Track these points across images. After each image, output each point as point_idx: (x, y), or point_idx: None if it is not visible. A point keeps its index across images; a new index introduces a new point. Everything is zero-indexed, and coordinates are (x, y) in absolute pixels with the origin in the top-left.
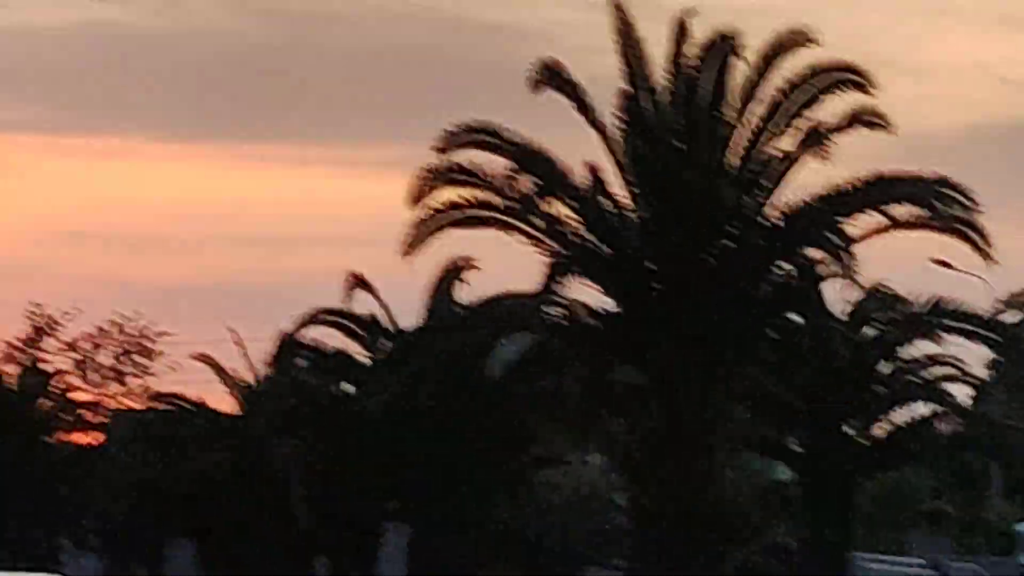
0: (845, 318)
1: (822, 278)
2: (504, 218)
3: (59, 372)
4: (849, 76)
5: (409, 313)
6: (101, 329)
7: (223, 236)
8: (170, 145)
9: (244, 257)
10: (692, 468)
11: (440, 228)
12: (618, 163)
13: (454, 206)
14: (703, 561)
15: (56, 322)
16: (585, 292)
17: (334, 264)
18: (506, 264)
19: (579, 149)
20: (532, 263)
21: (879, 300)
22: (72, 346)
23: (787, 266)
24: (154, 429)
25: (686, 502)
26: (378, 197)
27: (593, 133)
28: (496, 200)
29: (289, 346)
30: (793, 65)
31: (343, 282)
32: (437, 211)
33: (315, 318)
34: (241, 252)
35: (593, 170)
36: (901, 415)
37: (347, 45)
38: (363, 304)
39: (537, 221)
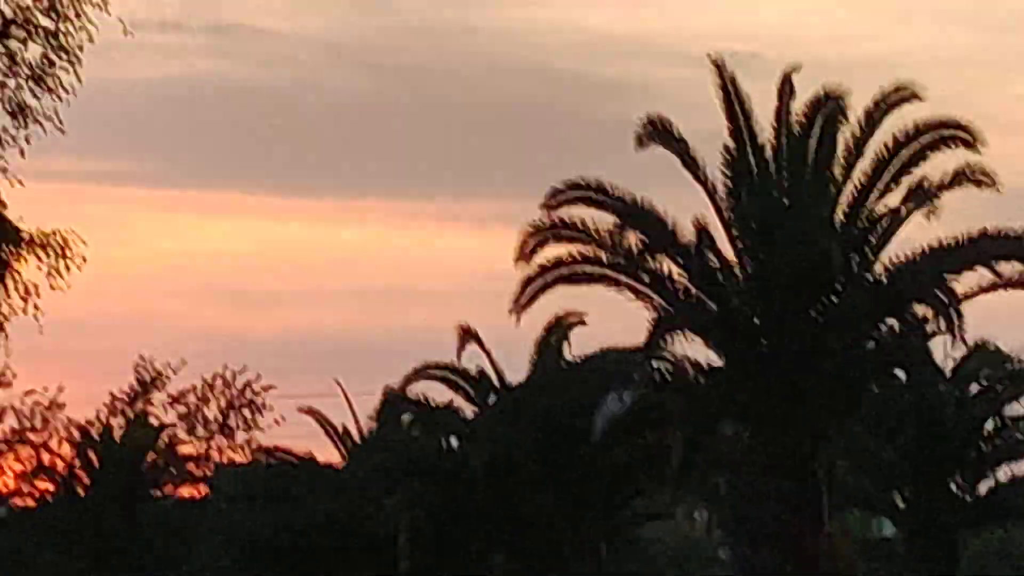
0: (950, 375)
1: (928, 335)
2: (611, 274)
3: (165, 425)
4: (955, 132)
5: (517, 367)
6: (208, 382)
7: (330, 290)
8: (277, 199)
9: (351, 311)
10: (796, 524)
11: (548, 285)
12: (724, 219)
13: (561, 262)
14: None
15: (163, 375)
16: (690, 347)
17: (442, 319)
18: (613, 319)
19: (686, 205)
20: (638, 318)
21: (984, 357)
22: (179, 399)
23: (893, 322)
24: (260, 483)
25: (791, 558)
26: (486, 251)
27: (699, 188)
28: (603, 256)
29: (395, 400)
30: (899, 121)
31: (453, 335)
32: (544, 268)
33: (422, 372)
34: (348, 306)
35: (699, 226)
36: (1006, 472)
37: (457, 99)
38: (471, 358)
39: (643, 276)
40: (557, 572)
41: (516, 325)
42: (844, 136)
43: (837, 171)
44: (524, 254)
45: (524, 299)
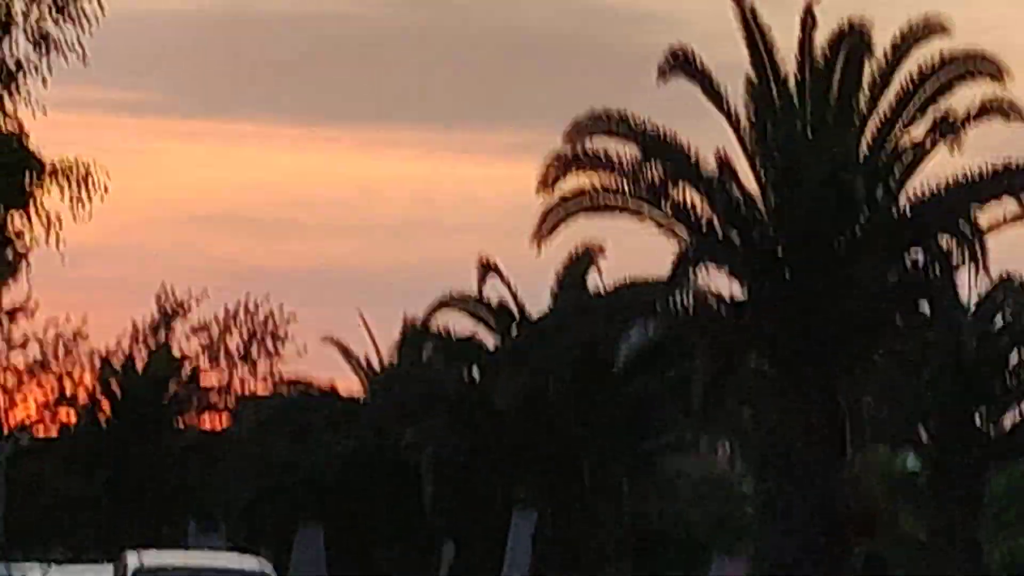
0: (974, 308)
1: (953, 268)
2: (633, 205)
3: (187, 356)
4: (982, 65)
5: (538, 299)
6: (230, 313)
7: (351, 221)
8: (297, 129)
9: (372, 242)
10: (820, 458)
11: (569, 215)
12: (747, 151)
13: (583, 193)
14: (831, 552)
15: (185, 305)
16: (713, 280)
17: (463, 250)
18: (634, 252)
19: (710, 137)
20: (660, 251)
21: (1009, 290)
22: (201, 329)
23: (917, 255)
24: (282, 414)
25: (814, 492)
26: (507, 183)
27: (723, 120)
28: (626, 187)
29: (417, 331)
30: (925, 54)
31: (473, 268)
32: (566, 198)
33: (444, 304)
34: (369, 237)
35: (722, 157)
36: None
37: (478, 29)
38: (492, 290)
39: (666, 208)
40: (579, 503)
41: (537, 255)
42: (869, 68)
43: (862, 103)
44: (546, 184)
45: (546, 228)
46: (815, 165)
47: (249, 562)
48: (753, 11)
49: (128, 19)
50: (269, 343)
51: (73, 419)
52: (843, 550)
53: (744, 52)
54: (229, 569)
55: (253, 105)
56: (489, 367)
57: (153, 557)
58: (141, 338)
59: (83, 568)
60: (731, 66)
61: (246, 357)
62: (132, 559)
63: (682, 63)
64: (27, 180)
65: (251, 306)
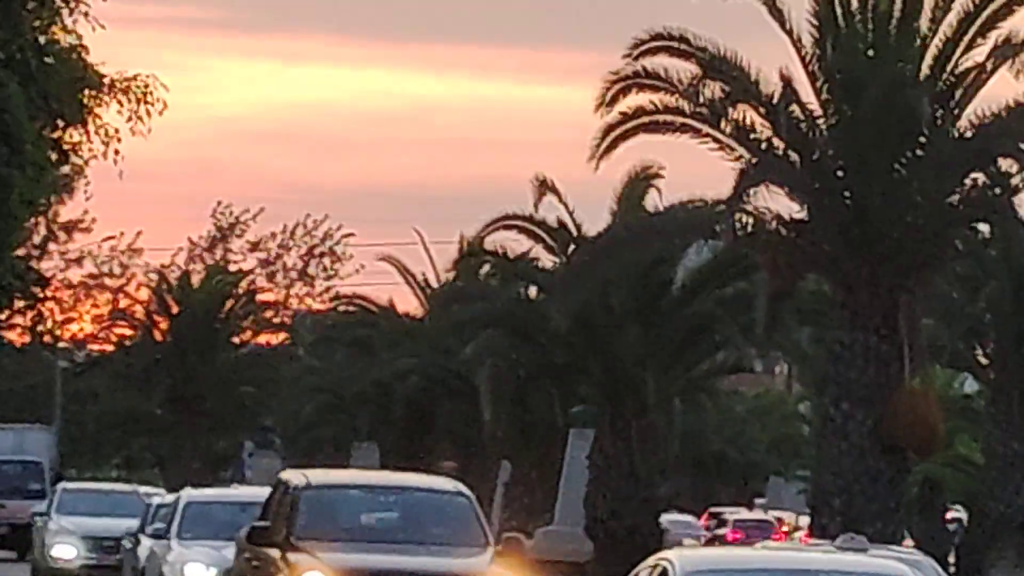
0: None
1: (1013, 189)
2: (693, 123)
3: (244, 272)
4: None
5: (595, 219)
6: (287, 230)
7: (409, 139)
8: (359, 46)
9: (430, 160)
10: (879, 380)
11: (628, 134)
12: (808, 71)
13: (643, 111)
14: (888, 473)
15: (241, 222)
16: (773, 200)
17: (520, 169)
18: (692, 172)
19: (773, 57)
20: (719, 171)
21: None
22: (258, 246)
23: (978, 176)
24: (339, 330)
25: (873, 412)
26: (566, 103)
27: (785, 40)
28: (685, 106)
29: (474, 250)
30: None
31: (530, 186)
32: (626, 115)
33: (501, 222)
34: (427, 155)
35: (784, 77)
36: None
37: None
38: (549, 210)
39: (726, 128)
40: (637, 422)
41: (595, 171)
42: None
43: (923, 24)
44: (605, 102)
45: (604, 146)
46: (876, 85)
47: (443, 483)
48: None
49: None
50: (327, 261)
51: (129, 335)
52: (901, 471)
53: None
54: (427, 488)
55: (314, 22)
56: (546, 286)
57: (321, 476)
58: (198, 254)
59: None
60: None
61: (303, 274)
62: (296, 478)
63: None
64: (86, 95)
65: (308, 224)
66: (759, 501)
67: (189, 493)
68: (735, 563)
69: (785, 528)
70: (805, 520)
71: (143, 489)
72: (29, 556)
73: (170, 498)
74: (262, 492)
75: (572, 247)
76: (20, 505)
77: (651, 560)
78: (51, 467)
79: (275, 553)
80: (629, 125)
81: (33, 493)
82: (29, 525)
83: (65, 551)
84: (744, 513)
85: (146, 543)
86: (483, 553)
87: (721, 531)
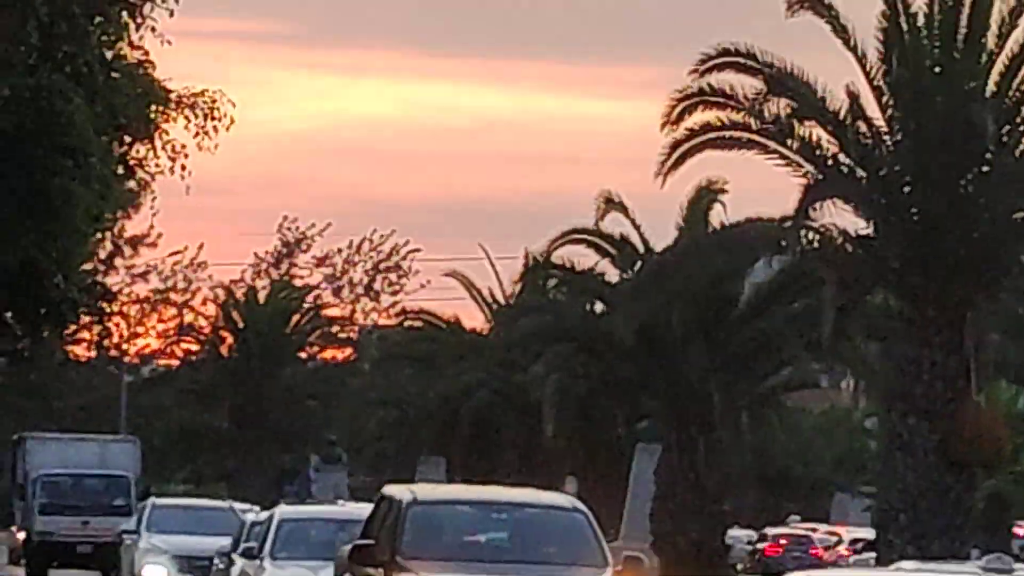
0: None
1: None
2: (760, 139)
3: (311, 287)
4: None
5: (660, 234)
6: (353, 245)
7: (475, 154)
8: (424, 60)
9: (495, 175)
10: (945, 395)
11: (695, 150)
12: (874, 87)
13: (709, 127)
14: (953, 488)
15: (307, 237)
16: (839, 215)
17: (586, 184)
18: (756, 188)
19: (834, 73)
20: (784, 187)
21: None
22: (324, 261)
23: None
24: (406, 346)
25: (939, 428)
26: (631, 118)
27: (849, 56)
28: (751, 122)
29: (540, 265)
30: None
31: (596, 202)
32: (692, 132)
33: (567, 237)
34: (492, 170)
35: (851, 93)
36: None
37: None
38: (614, 225)
39: (792, 143)
40: (703, 437)
41: (661, 187)
42: (999, 6)
43: (990, 41)
44: (672, 119)
45: (671, 162)
46: (942, 101)
47: (558, 499)
48: None
49: None
50: (392, 276)
51: (195, 349)
52: (966, 487)
53: None
54: (542, 504)
55: (379, 36)
56: (612, 300)
57: (428, 492)
58: (264, 269)
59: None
60: (851, 2)
61: (369, 290)
62: (401, 493)
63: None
64: (152, 111)
65: (375, 239)
66: (793, 518)
67: (283, 510)
68: None
69: (824, 543)
70: (861, 533)
71: (238, 506)
72: None
73: (264, 515)
74: (361, 509)
75: (638, 262)
76: (105, 522)
77: None
78: (137, 481)
79: (379, 573)
80: (695, 141)
81: (118, 509)
82: (114, 543)
83: (155, 571)
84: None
85: (239, 563)
86: (601, 573)
87: (760, 545)
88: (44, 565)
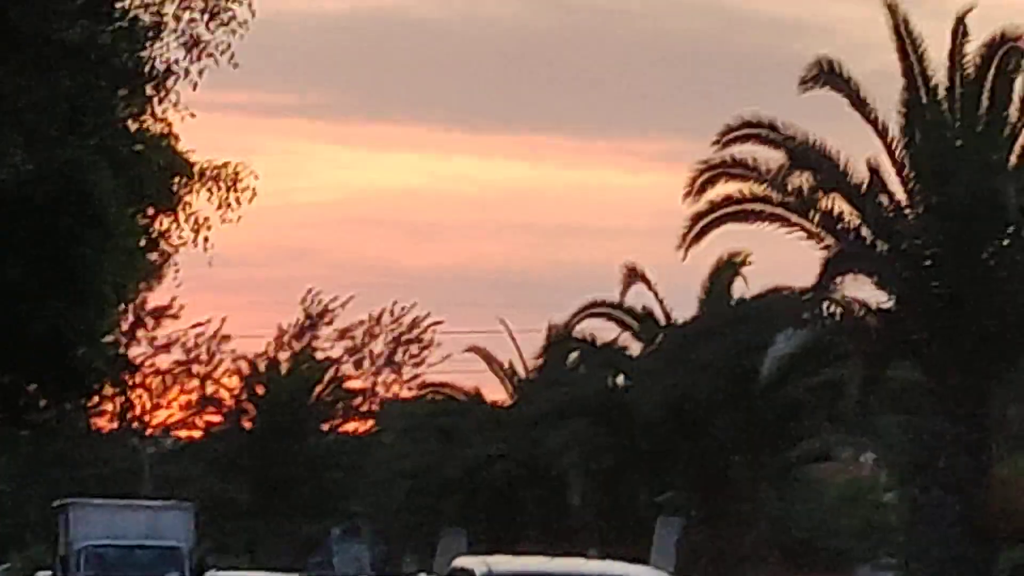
0: None
1: None
2: (781, 212)
3: (332, 360)
4: None
5: (683, 306)
6: (375, 317)
7: (498, 224)
8: (447, 132)
9: (518, 247)
10: (968, 467)
11: (717, 222)
12: (895, 160)
13: (731, 200)
14: (977, 561)
15: (329, 309)
16: (861, 289)
17: (607, 256)
18: (778, 261)
19: (854, 145)
20: (804, 259)
21: None
22: (346, 334)
23: None
24: (427, 418)
25: (961, 501)
26: (653, 190)
27: (869, 130)
28: (773, 195)
29: (562, 337)
30: None
31: (618, 274)
32: (715, 204)
33: (589, 309)
34: (516, 241)
35: (872, 166)
36: None
37: (630, 36)
38: (636, 298)
39: (814, 216)
40: (725, 509)
41: (683, 260)
42: (1021, 79)
43: (1012, 114)
44: (694, 190)
45: (693, 234)
46: (965, 174)
47: (641, 571)
48: (906, 20)
49: (278, 22)
50: (414, 348)
51: (217, 421)
52: (990, 559)
53: (895, 61)
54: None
55: (403, 108)
56: (634, 373)
57: (505, 564)
58: (286, 341)
59: None
60: (879, 75)
61: (390, 362)
62: (476, 566)
63: (827, 74)
64: (175, 182)
65: (396, 311)
66: None
67: None
68: None
69: None
70: None
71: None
72: None
73: None
74: None
75: (660, 335)
76: None
77: None
78: (190, 553)
79: None
80: (718, 214)
81: None
82: None
83: None
84: None
85: None
86: None
87: None
88: None
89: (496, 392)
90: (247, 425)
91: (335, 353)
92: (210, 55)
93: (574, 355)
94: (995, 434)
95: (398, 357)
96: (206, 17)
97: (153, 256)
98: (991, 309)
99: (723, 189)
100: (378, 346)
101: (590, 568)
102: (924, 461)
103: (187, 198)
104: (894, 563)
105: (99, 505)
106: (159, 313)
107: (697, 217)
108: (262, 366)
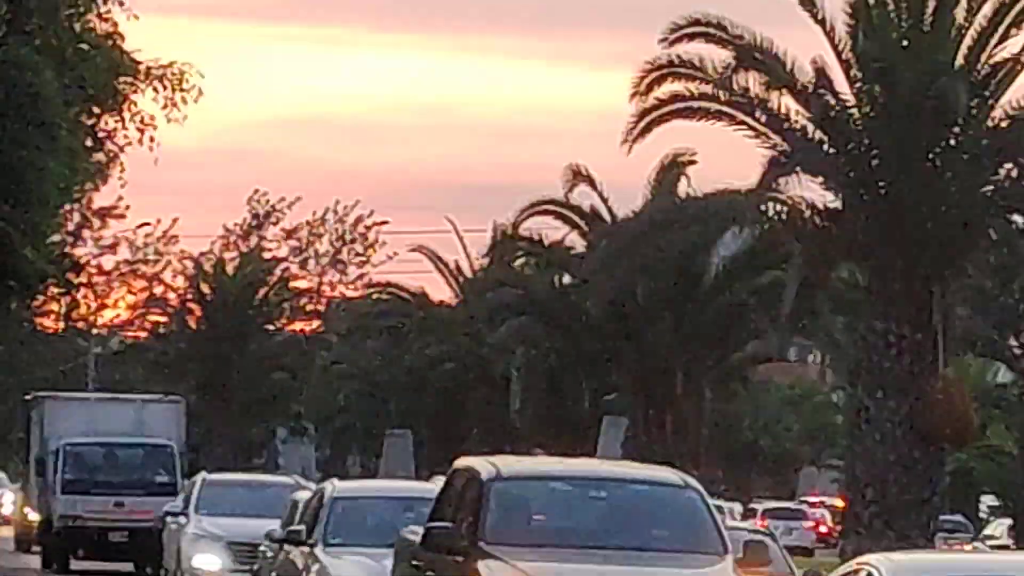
0: None
1: None
2: (728, 111)
3: (279, 260)
4: None
5: (629, 208)
6: (320, 217)
7: (442, 127)
8: (389, 35)
9: (462, 148)
10: (913, 370)
11: (663, 119)
12: (842, 60)
13: (677, 98)
14: (921, 463)
15: (276, 209)
16: (807, 189)
17: (554, 157)
18: (722, 160)
19: (802, 48)
20: (749, 161)
21: None
22: (292, 234)
23: (1012, 167)
24: (372, 319)
25: (906, 403)
26: (599, 90)
27: (818, 30)
28: (720, 94)
29: (508, 237)
30: None
31: (563, 174)
32: (661, 101)
33: (534, 208)
34: (460, 143)
35: (817, 66)
36: None
37: None
38: (582, 198)
39: (761, 116)
40: (670, 411)
41: (628, 155)
42: None
43: (959, 14)
44: (641, 89)
45: (638, 130)
46: (911, 74)
47: (667, 474)
48: None
49: None
50: (359, 248)
51: (162, 322)
52: (935, 462)
53: None
54: (648, 480)
55: (346, 10)
56: (580, 273)
57: (512, 465)
58: (233, 242)
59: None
60: None
61: (336, 262)
62: (482, 467)
63: None
64: (121, 82)
65: (341, 211)
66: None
67: (337, 487)
68: (949, 568)
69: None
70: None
71: (300, 481)
72: (153, 569)
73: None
74: (425, 486)
75: (606, 235)
76: (144, 503)
77: (853, 564)
78: (182, 451)
79: (458, 562)
80: (664, 110)
81: (161, 487)
82: (155, 529)
83: (208, 562)
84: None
85: (285, 550)
86: (720, 562)
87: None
88: (66, 555)
89: (441, 293)
90: (193, 325)
91: (282, 254)
92: None
93: (521, 255)
94: (940, 336)
95: (343, 256)
96: None
97: (99, 156)
98: (936, 210)
99: (671, 88)
100: (323, 246)
101: (607, 470)
102: (868, 363)
103: (132, 97)
104: (840, 463)
105: (78, 398)
106: (105, 213)
107: (643, 113)
108: (208, 266)
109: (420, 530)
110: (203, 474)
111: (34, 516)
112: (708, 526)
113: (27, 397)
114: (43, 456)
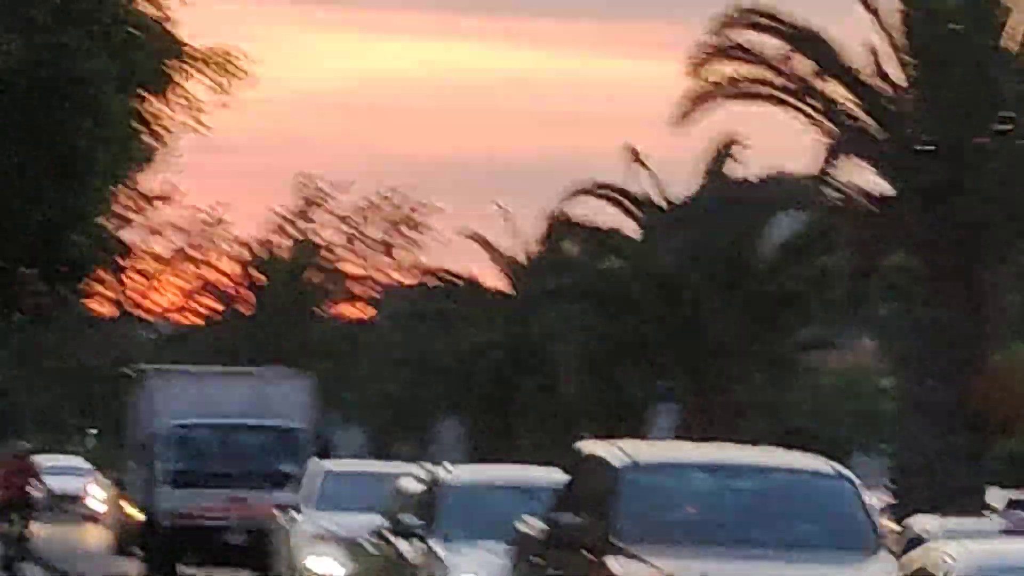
0: None
1: None
2: (780, 95)
3: (329, 245)
4: None
5: (681, 195)
6: (371, 203)
7: (495, 112)
8: (441, 19)
9: (515, 133)
10: (963, 356)
11: (715, 100)
12: (894, 46)
13: (731, 81)
14: (969, 450)
15: (326, 194)
16: (858, 174)
17: (607, 142)
18: (774, 144)
19: (854, 36)
20: (796, 146)
21: None
22: (342, 219)
23: None
24: (424, 304)
25: (956, 389)
26: (652, 77)
27: (867, 16)
28: (773, 79)
29: (561, 223)
30: None
31: (619, 157)
32: (715, 83)
33: (586, 190)
34: (512, 128)
35: (870, 52)
36: None
37: None
38: (636, 184)
39: (813, 102)
40: (721, 397)
41: (681, 145)
42: None
43: (1011, 2)
44: (694, 70)
45: (690, 111)
46: (963, 61)
47: (815, 462)
48: None
49: None
50: (411, 234)
51: (214, 308)
52: (982, 448)
53: None
54: (796, 469)
55: None
56: (632, 258)
57: (648, 452)
58: (283, 227)
59: None
60: None
61: (388, 247)
62: (613, 454)
63: None
64: (169, 67)
65: (393, 196)
66: None
67: (454, 474)
68: None
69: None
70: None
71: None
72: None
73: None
74: (546, 473)
75: (659, 220)
76: (267, 498)
77: (919, 551)
78: (312, 438)
79: (587, 559)
80: (716, 92)
81: (288, 480)
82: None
83: (324, 567)
84: None
85: (395, 544)
86: (876, 560)
87: None
88: (173, 558)
89: (495, 278)
90: (244, 312)
91: (333, 239)
92: None
93: (573, 240)
94: (991, 323)
95: (395, 242)
96: None
97: (147, 140)
98: (988, 197)
99: (723, 70)
100: (374, 231)
101: (751, 457)
102: (918, 350)
103: (181, 82)
104: (889, 450)
105: (189, 372)
106: (154, 198)
107: (695, 95)
108: (260, 252)
109: (539, 523)
110: (326, 463)
111: (133, 512)
112: (861, 519)
113: (125, 371)
114: (146, 441)
